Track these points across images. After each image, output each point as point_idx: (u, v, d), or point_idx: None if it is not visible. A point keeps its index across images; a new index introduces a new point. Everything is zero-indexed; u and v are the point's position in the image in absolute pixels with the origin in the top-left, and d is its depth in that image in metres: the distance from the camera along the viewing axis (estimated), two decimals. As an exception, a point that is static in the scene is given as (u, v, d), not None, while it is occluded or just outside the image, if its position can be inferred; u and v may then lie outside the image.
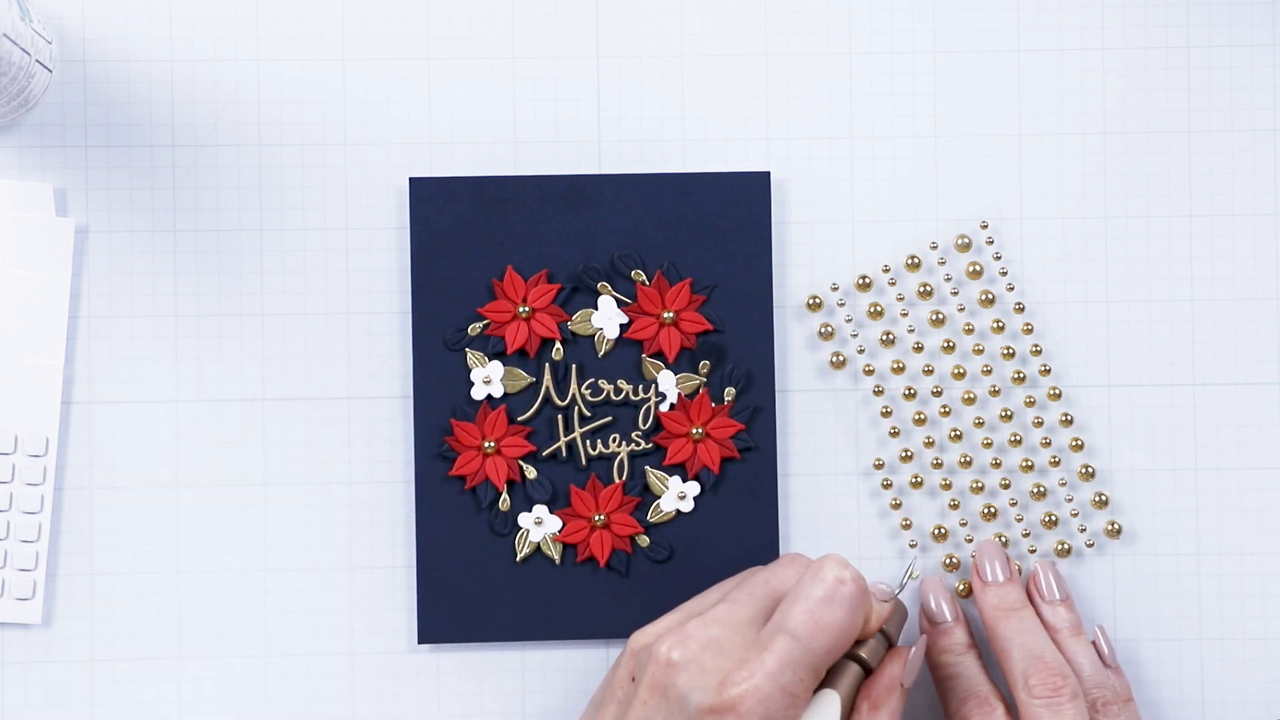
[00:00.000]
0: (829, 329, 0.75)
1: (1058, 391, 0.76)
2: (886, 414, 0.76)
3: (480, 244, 0.75)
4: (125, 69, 0.75)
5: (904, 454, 0.76)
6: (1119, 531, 0.76)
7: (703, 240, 0.75)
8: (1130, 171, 0.76)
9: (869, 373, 0.76)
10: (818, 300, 0.75)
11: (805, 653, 0.66)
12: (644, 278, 0.75)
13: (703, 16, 0.76)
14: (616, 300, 0.75)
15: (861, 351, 0.75)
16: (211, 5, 0.76)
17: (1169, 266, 0.76)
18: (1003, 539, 0.76)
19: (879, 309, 0.76)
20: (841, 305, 0.76)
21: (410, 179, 0.75)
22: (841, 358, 0.76)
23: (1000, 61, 0.76)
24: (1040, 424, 0.76)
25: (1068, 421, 0.76)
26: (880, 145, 0.76)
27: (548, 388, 0.75)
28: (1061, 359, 0.76)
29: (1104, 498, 0.76)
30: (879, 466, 0.76)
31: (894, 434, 0.75)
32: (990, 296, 0.76)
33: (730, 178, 0.75)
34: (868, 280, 0.76)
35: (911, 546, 0.76)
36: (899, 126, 0.76)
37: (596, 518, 0.75)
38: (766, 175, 0.75)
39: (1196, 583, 0.76)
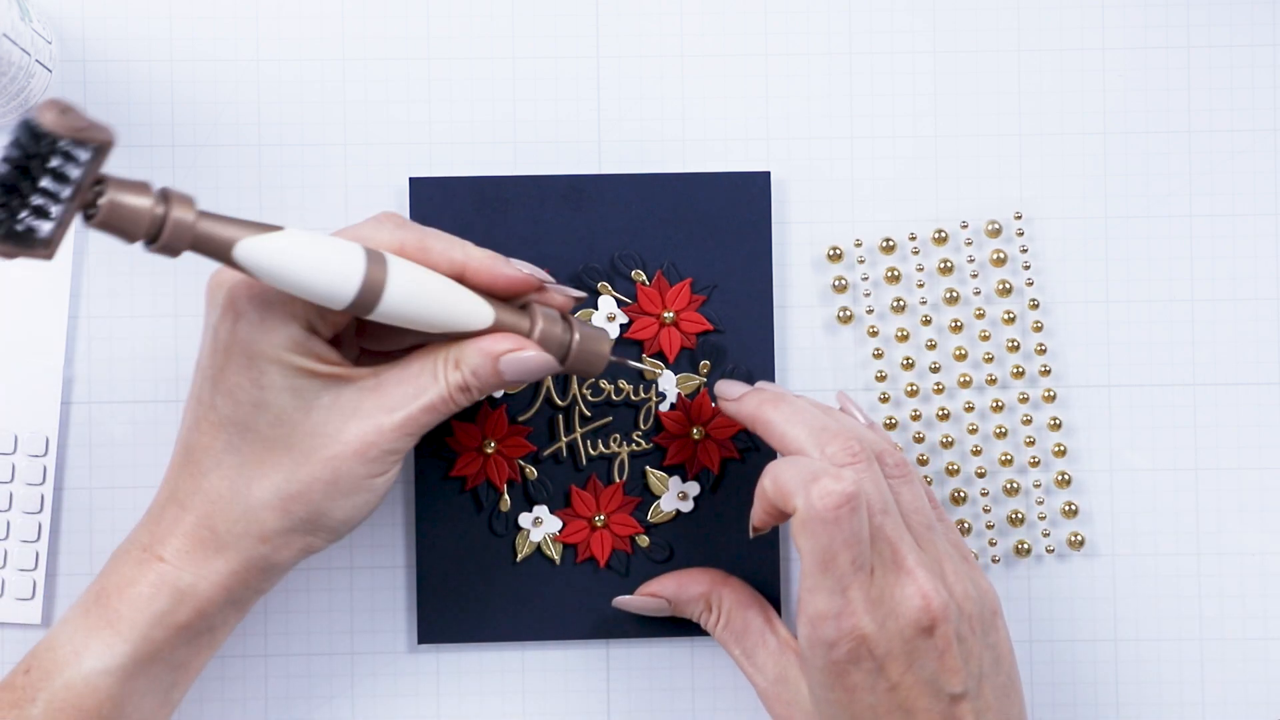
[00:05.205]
0: (843, 282, 0.75)
1: (1052, 394, 0.76)
2: (881, 379, 0.75)
3: (480, 244, 0.75)
4: (125, 69, 0.75)
5: (889, 421, 0.75)
6: (1081, 543, 0.76)
7: (703, 240, 0.75)
8: (1130, 171, 0.76)
9: (873, 334, 0.75)
10: (838, 251, 0.75)
11: None
12: (644, 278, 0.75)
13: (703, 16, 0.76)
14: (616, 300, 0.75)
15: (870, 312, 0.75)
16: (211, 5, 0.75)
17: (1169, 266, 0.76)
18: (965, 525, 0.75)
19: (895, 274, 0.75)
20: (861, 263, 0.75)
21: (410, 179, 0.75)
22: (849, 313, 0.75)
23: (1000, 61, 0.76)
24: (1028, 422, 0.76)
25: (1056, 426, 0.76)
26: (880, 145, 0.76)
27: (548, 388, 0.75)
28: (1062, 359, 0.76)
29: (1074, 507, 0.75)
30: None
31: (889, 416, 0.76)
32: (1007, 286, 0.75)
33: (730, 178, 0.75)
34: (891, 243, 0.75)
35: None
36: (899, 126, 0.76)
37: (596, 518, 0.75)
38: (766, 175, 0.75)
39: (1196, 583, 0.76)
